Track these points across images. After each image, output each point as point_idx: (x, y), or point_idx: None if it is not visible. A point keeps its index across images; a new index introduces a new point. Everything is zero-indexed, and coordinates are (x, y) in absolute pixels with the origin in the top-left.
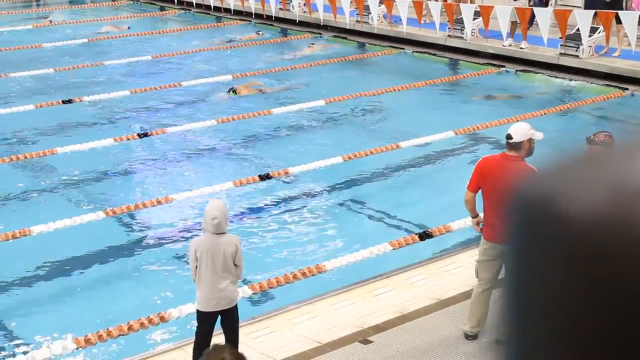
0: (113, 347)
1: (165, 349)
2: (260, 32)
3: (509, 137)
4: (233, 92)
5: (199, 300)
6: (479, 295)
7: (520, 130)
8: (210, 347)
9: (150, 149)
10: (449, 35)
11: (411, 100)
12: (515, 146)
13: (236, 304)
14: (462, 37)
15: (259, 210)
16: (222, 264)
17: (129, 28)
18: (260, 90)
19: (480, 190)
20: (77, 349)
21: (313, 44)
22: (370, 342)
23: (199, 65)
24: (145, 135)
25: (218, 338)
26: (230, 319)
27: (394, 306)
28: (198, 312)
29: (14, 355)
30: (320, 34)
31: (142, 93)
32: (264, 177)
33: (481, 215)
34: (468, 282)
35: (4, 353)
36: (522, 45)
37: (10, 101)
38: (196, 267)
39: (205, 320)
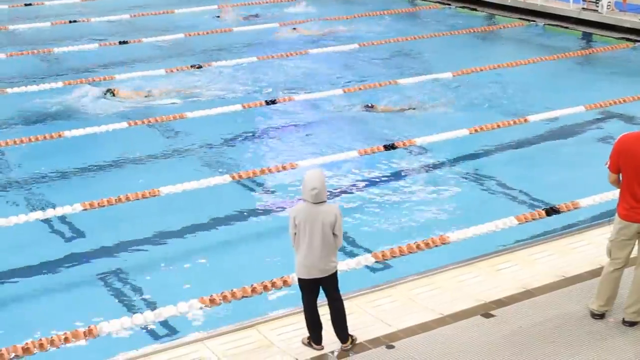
0: (238, 308)
1: (286, 313)
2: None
3: None
4: (111, 93)
5: (296, 267)
6: (610, 274)
7: None
8: None
9: (277, 116)
10: (583, 8)
11: (541, 73)
12: None
13: (334, 273)
14: (597, 10)
15: (383, 179)
16: (321, 232)
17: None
18: (147, 95)
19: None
20: (202, 307)
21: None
22: (493, 315)
23: (326, 34)
24: (273, 102)
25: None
26: (328, 287)
27: (518, 281)
28: (298, 279)
29: (142, 311)
30: (449, 4)
31: (269, 60)
32: (389, 147)
33: None
34: (596, 260)
35: (133, 309)
36: None
37: (143, 65)
38: (295, 234)
39: (303, 287)
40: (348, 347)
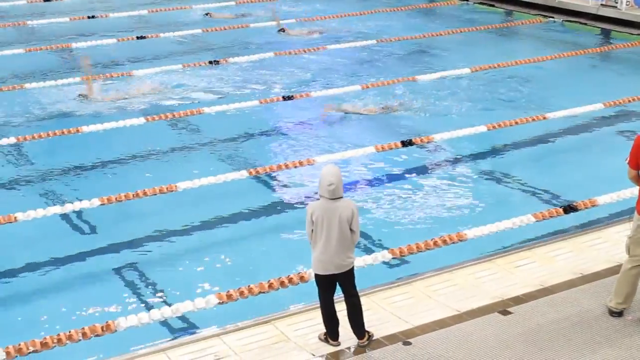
0: (254, 304)
1: (303, 308)
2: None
3: None
4: (84, 97)
5: (313, 263)
6: (628, 272)
7: None
8: None
9: (294, 112)
10: (602, 4)
11: (559, 70)
12: None
13: (351, 269)
14: (616, 7)
15: (400, 175)
16: (338, 228)
17: None
18: (126, 97)
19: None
20: (219, 303)
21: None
22: (510, 313)
23: (344, 30)
24: (290, 98)
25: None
26: (345, 283)
27: (535, 278)
28: (315, 275)
29: (160, 306)
30: (467, 0)
31: (287, 56)
32: (406, 144)
33: None
34: (614, 257)
35: (150, 304)
36: None
37: (160, 60)
38: (312, 230)
39: (320, 283)
40: (364, 343)
